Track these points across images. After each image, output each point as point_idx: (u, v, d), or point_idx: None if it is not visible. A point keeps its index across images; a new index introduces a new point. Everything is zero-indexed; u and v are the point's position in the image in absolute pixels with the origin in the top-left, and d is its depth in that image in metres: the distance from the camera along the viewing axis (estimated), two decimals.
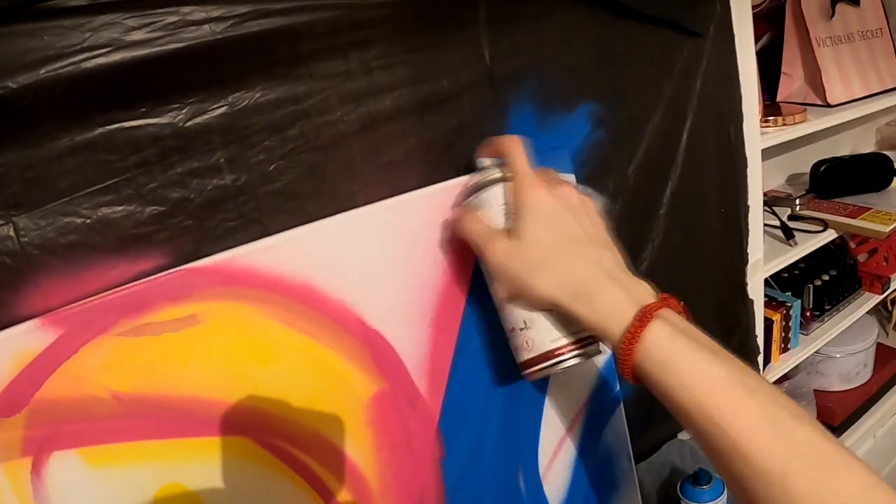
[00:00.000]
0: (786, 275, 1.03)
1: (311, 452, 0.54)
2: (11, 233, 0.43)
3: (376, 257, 0.55)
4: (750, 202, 0.83)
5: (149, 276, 0.48)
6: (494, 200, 0.51)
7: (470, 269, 0.59)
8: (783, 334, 0.97)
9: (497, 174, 0.51)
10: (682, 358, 0.40)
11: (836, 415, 1.07)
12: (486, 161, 0.55)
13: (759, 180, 0.83)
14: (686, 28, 0.71)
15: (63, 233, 0.45)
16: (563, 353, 0.47)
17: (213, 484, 0.50)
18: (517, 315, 0.49)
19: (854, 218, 0.96)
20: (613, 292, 0.43)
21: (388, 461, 0.58)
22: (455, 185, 0.58)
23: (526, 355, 0.49)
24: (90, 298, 0.46)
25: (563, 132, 0.65)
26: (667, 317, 0.42)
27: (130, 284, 0.47)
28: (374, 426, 0.57)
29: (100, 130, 0.44)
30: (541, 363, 0.48)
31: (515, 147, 0.51)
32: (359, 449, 0.56)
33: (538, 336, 0.47)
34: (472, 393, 0.60)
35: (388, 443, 0.57)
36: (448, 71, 0.57)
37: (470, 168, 0.58)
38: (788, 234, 0.92)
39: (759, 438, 0.36)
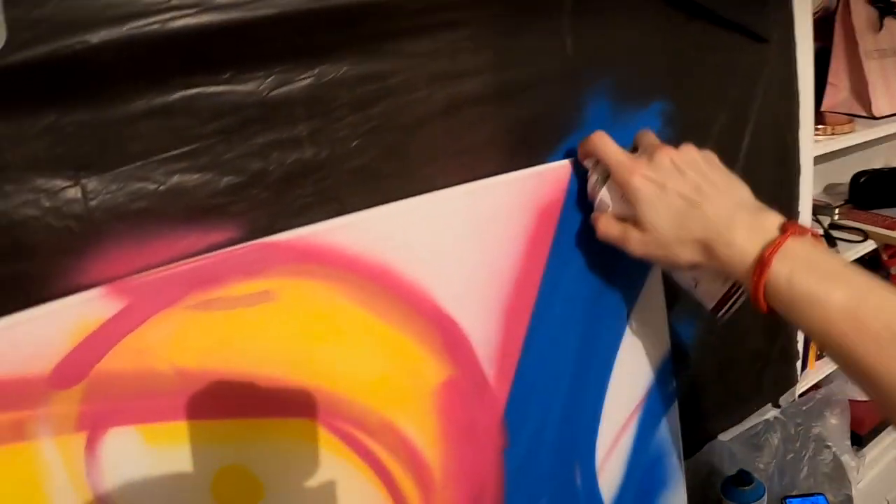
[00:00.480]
0: None
1: (377, 438, 0.53)
2: (79, 195, 0.41)
3: (452, 242, 0.54)
4: (801, 209, 0.83)
5: (220, 248, 0.46)
6: (609, 199, 0.54)
7: (544, 258, 0.59)
8: None
9: (599, 174, 0.55)
10: (802, 292, 0.42)
11: (864, 424, 1.07)
12: (588, 163, 0.56)
13: (809, 188, 0.83)
14: (753, 32, 0.71)
15: (134, 198, 0.43)
16: (734, 293, 0.51)
17: (275, 467, 0.49)
18: (685, 277, 0.54)
19: (893, 230, 0.97)
20: (733, 241, 0.46)
21: (453, 450, 0.57)
22: (533, 174, 0.58)
23: (710, 303, 0.53)
24: (159, 269, 0.44)
25: (635, 128, 0.64)
26: (788, 251, 0.43)
27: (202, 256, 0.45)
28: (442, 414, 0.56)
29: (180, 94, 0.43)
30: (722, 307, 0.52)
31: (603, 141, 0.53)
32: (424, 436, 0.55)
33: (710, 287, 0.52)
34: (538, 384, 0.60)
35: (453, 431, 0.57)
36: (531, 59, 0.57)
37: (545, 157, 0.58)
38: (832, 243, 0.92)
39: (883, 357, 0.38)
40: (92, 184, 0.41)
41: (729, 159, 0.73)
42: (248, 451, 0.48)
